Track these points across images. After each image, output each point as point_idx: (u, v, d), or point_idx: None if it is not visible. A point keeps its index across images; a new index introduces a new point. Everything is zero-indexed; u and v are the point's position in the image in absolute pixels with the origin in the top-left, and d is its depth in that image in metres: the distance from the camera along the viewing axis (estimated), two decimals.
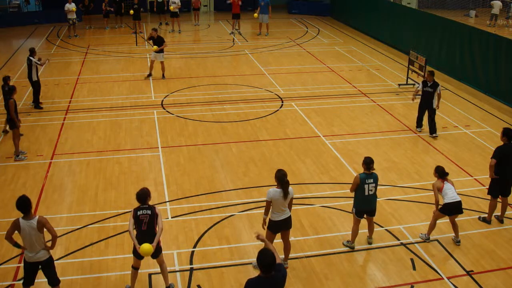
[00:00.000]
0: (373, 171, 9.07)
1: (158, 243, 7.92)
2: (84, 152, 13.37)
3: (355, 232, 9.37)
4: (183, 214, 10.55)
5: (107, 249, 9.40)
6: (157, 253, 7.97)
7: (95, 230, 9.97)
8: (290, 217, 8.54)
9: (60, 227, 10.03)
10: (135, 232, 7.87)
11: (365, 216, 9.32)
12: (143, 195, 7.92)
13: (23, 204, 7.42)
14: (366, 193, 9.02)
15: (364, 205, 9.14)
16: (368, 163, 9.03)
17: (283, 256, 8.92)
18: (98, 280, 8.60)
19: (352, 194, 9.24)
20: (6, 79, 13.88)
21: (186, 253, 9.29)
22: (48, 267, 7.71)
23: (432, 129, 14.23)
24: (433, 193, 9.58)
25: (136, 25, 26.24)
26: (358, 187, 9.02)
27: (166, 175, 12.10)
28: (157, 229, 7.88)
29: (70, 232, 9.89)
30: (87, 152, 13.36)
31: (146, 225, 7.78)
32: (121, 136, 14.31)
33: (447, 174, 9.47)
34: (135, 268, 8.16)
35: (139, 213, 7.80)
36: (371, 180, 9.01)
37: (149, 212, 7.81)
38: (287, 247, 8.82)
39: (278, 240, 8.82)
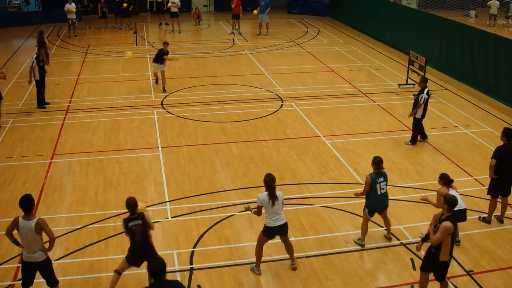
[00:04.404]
0: (383, 169, 9.12)
1: (153, 249, 7.93)
2: (84, 152, 13.36)
3: (365, 230, 9.40)
4: (183, 214, 10.55)
5: (107, 249, 9.39)
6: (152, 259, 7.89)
7: (95, 230, 9.96)
8: (286, 224, 8.52)
9: (60, 227, 10.03)
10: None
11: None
12: (133, 205, 7.79)
13: (25, 203, 7.40)
14: (379, 193, 9.07)
15: (377, 204, 9.19)
16: (377, 162, 9.08)
17: (290, 259, 8.90)
18: (98, 280, 8.60)
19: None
20: None
21: (186, 253, 9.29)
22: (45, 268, 7.71)
23: (412, 137, 13.74)
24: (433, 193, 9.55)
25: (119, 21, 27.50)
26: (370, 188, 9.04)
27: (166, 175, 12.09)
28: (150, 237, 7.88)
29: (70, 232, 9.89)
30: (87, 152, 13.36)
31: (140, 236, 7.75)
32: (121, 136, 14.31)
33: (452, 181, 9.20)
34: (119, 272, 8.01)
35: (130, 224, 7.74)
36: (382, 179, 9.08)
37: (140, 222, 7.74)
38: (289, 249, 8.80)
39: (278, 240, 8.81)
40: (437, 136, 14.25)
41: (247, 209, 8.61)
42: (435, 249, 7.65)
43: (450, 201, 7.57)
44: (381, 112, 16.20)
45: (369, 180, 9.02)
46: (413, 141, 13.76)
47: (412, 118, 13.62)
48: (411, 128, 13.94)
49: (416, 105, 13.32)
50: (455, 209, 9.17)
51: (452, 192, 9.19)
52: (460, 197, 9.29)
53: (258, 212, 8.46)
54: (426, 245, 9.47)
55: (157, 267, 5.97)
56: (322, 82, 19.17)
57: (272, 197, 8.26)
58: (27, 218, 7.41)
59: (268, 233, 8.51)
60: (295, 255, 9.11)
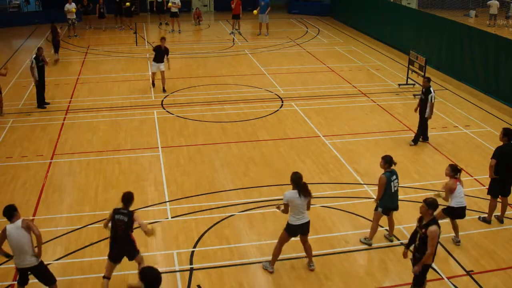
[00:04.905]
0: (393, 167, 9.14)
1: (134, 246, 8.01)
2: (84, 152, 13.36)
3: (374, 229, 9.42)
4: (183, 214, 10.55)
5: (107, 249, 9.30)
6: (132, 255, 8.02)
7: (95, 230, 9.96)
8: (308, 222, 8.52)
9: (60, 227, 10.04)
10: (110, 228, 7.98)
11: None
12: (129, 198, 7.92)
13: (6, 210, 7.47)
14: (393, 190, 9.11)
15: (391, 202, 9.23)
16: (389, 161, 9.11)
17: (308, 259, 8.91)
18: (98, 280, 8.57)
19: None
20: None
21: (186, 253, 9.29)
22: (38, 272, 7.74)
23: (415, 137, 13.76)
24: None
25: (119, 21, 27.61)
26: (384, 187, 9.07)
27: (166, 175, 12.09)
28: (132, 235, 7.94)
29: (70, 232, 9.89)
30: (87, 152, 13.36)
31: (121, 231, 7.81)
32: (121, 136, 14.30)
33: (460, 170, 9.29)
34: (108, 278, 8.05)
35: (116, 217, 7.81)
36: (394, 177, 9.12)
37: (125, 219, 7.79)
38: (307, 250, 8.81)
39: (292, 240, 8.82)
40: (437, 136, 14.24)
41: (278, 208, 8.58)
42: (419, 253, 7.53)
43: (434, 205, 7.43)
44: (381, 112, 16.20)
45: (384, 180, 9.03)
46: (415, 141, 13.74)
47: (417, 117, 13.63)
48: (417, 128, 13.81)
49: (425, 105, 13.25)
50: (455, 205, 9.23)
51: (458, 187, 9.20)
52: (463, 195, 9.29)
53: (285, 210, 8.41)
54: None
55: (153, 275, 5.65)
56: (322, 82, 19.17)
57: (306, 192, 8.24)
58: (12, 222, 7.48)
59: (291, 231, 8.49)
60: (295, 255, 9.13)
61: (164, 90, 17.77)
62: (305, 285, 8.54)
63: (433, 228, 7.30)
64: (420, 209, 7.53)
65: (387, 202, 9.19)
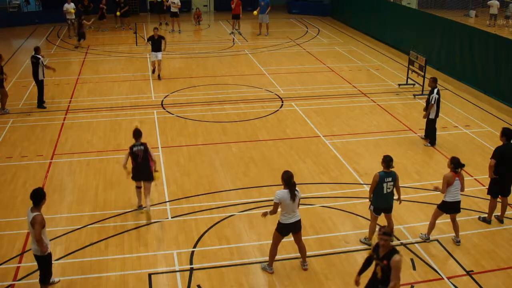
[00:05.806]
0: (392, 169, 9.08)
1: (151, 168, 10.00)
2: (84, 152, 13.37)
3: (372, 229, 9.38)
4: (183, 214, 10.55)
5: (107, 249, 9.39)
6: (149, 177, 10.07)
7: (95, 230, 9.96)
8: (300, 220, 8.49)
9: (60, 227, 10.04)
10: (130, 165, 10.00)
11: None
12: (139, 133, 10.00)
13: (32, 195, 7.69)
14: (385, 192, 9.06)
15: (382, 203, 9.19)
16: (388, 161, 9.05)
17: (302, 258, 8.90)
18: (98, 280, 8.60)
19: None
20: None
21: (186, 253, 9.29)
22: (38, 264, 7.92)
23: (430, 139, 13.82)
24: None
25: (119, 21, 27.93)
26: (376, 185, 9.03)
27: (166, 175, 12.09)
28: (150, 161, 9.97)
29: (70, 232, 9.89)
30: (87, 152, 13.36)
31: (141, 158, 9.91)
32: (121, 136, 14.30)
33: (462, 165, 9.19)
34: (138, 187, 10.31)
35: (134, 149, 9.89)
36: (390, 179, 9.05)
37: (142, 147, 9.93)
38: (301, 249, 8.79)
39: (286, 240, 8.81)
40: (437, 136, 14.22)
41: (265, 214, 8.56)
42: (383, 285, 6.89)
43: (392, 233, 6.89)
44: (381, 112, 16.20)
45: (377, 178, 9.02)
46: (432, 142, 13.72)
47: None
48: (426, 126, 13.85)
49: (427, 106, 13.34)
50: (448, 200, 9.22)
51: (457, 181, 9.18)
52: (459, 190, 9.26)
53: (274, 210, 8.37)
54: (425, 245, 9.47)
55: None
56: (322, 82, 19.17)
57: (293, 194, 8.21)
58: (31, 210, 7.66)
59: (283, 230, 8.46)
60: (295, 255, 9.11)
61: (159, 78, 18.87)
62: (305, 285, 8.54)
63: (397, 258, 6.74)
64: (381, 241, 6.86)
65: (378, 202, 9.17)
